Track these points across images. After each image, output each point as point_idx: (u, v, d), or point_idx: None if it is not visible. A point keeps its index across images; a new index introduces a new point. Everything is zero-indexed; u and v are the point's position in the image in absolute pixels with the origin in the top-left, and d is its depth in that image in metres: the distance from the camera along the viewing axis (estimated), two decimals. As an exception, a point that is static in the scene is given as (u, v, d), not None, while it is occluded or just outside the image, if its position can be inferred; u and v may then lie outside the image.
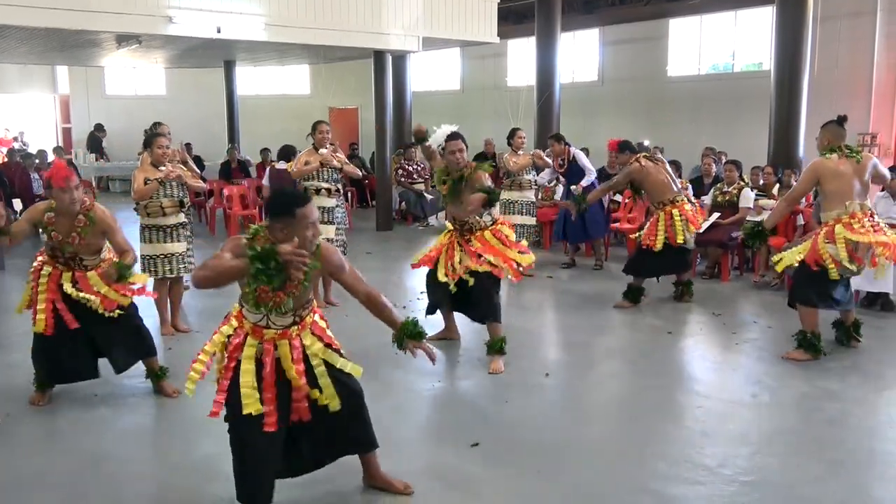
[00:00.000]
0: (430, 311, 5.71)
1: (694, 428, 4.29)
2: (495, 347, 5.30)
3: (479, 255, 5.19)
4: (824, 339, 5.46)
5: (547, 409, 4.59)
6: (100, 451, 4.00)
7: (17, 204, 11.76)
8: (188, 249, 6.10)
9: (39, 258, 4.65)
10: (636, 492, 3.53)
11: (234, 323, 3.20)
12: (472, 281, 5.20)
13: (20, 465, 3.84)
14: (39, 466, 3.82)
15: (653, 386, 4.95)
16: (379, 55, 11.72)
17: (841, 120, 5.52)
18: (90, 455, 3.96)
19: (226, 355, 3.19)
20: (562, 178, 9.07)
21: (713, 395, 4.76)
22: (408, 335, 3.25)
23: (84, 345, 4.62)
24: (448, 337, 5.81)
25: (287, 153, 8.64)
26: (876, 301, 6.77)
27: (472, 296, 5.26)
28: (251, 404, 3.06)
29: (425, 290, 5.72)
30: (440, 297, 5.49)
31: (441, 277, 5.30)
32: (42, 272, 4.58)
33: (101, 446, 4.08)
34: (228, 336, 3.19)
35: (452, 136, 5.26)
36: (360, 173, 8.65)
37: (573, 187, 8.32)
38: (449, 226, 5.55)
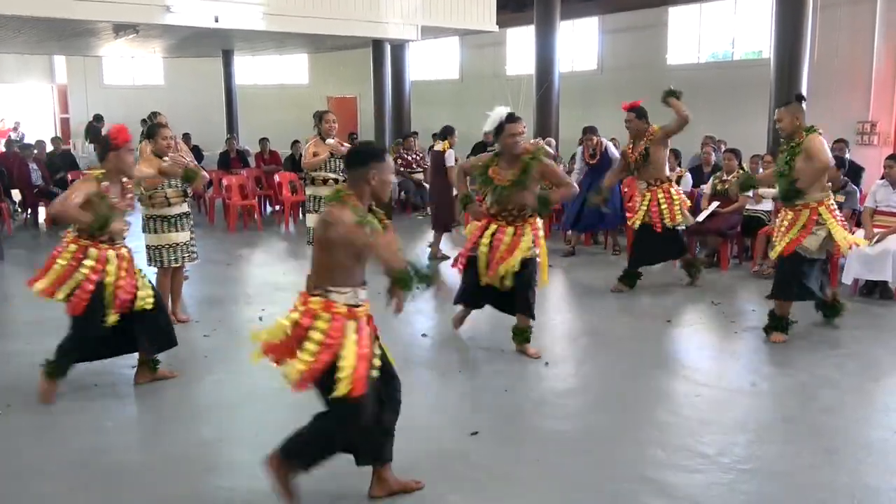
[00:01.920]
0: (459, 301, 5.55)
1: (692, 416, 4.31)
2: (524, 336, 5.27)
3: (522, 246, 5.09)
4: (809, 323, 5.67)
5: (546, 398, 4.60)
6: (100, 441, 4.01)
7: (16, 195, 11.78)
8: (191, 239, 6.13)
9: (73, 244, 4.46)
10: (635, 480, 3.54)
11: (326, 315, 3.10)
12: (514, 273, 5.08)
13: (20, 456, 3.85)
14: (39, 456, 3.83)
15: (652, 374, 4.96)
16: (377, 44, 11.70)
17: (800, 97, 5.55)
18: (90, 445, 3.96)
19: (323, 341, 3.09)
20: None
21: (712, 384, 4.78)
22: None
23: (116, 332, 4.59)
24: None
25: (445, 133, 8.71)
26: (875, 289, 6.78)
27: (515, 287, 5.11)
28: (363, 384, 3.09)
29: (463, 286, 5.45)
30: (480, 297, 5.38)
31: (490, 279, 5.13)
32: (89, 253, 4.43)
33: (101, 436, 4.09)
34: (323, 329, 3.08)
35: (511, 119, 4.92)
36: None
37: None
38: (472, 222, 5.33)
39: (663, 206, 6.68)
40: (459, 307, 5.64)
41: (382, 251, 3.06)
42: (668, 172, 6.93)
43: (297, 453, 3.22)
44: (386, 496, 3.38)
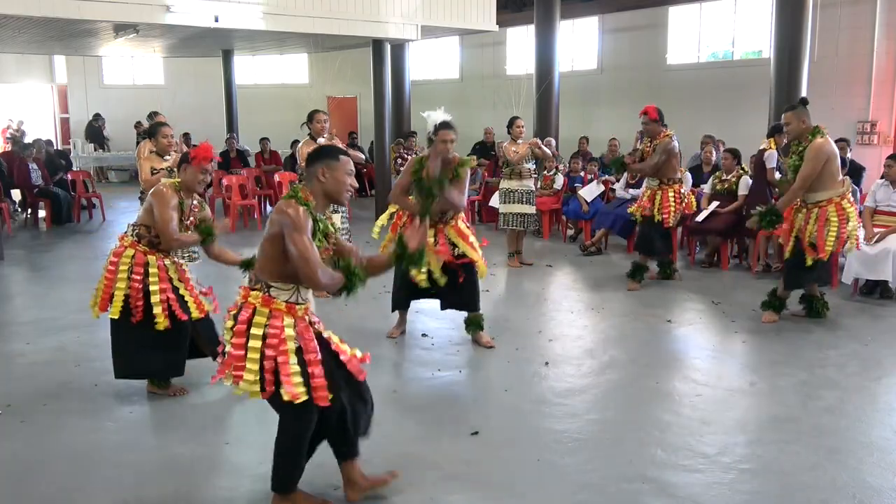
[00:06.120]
0: (397, 308, 5.71)
1: (693, 416, 4.31)
2: (478, 323, 5.53)
3: (454, 246, 5.31)
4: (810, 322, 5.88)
5: (546, 398, 4.60)
6: (100, 442, 4.01)
7: (16, 195, 11.78)
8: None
9: (129, 248, 4.42)
10: (635, 479, 3.54)
11: (265, 311, 3.04)
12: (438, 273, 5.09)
13: (20, 456, 3.85)
14: (39, 456, 3.83)
15: (652, 374, 4.96)
16: (377, 44, 11.69)
17: (805, 101, 5.83)
18: (90, 445, 3.96)
19: (270, 345, 3.02)
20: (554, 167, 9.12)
21: (712, 384, 4.78)
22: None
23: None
24: (403, 331, 5.82)
25: (773, 131, 8.41)
26: (875, 289, 6.78)
27: (461, 286, 5.34)
28: (303, 390, 3.00)
29: (395, 286, 5.62)
30: (409, 294, 5.52)
31: (422, 279, 5.12)
32: (151, 264, 4.42)
33: (101, 436, 4.09)
34: (265, 327, 3.03)
35: (444, 126, 5.21)
36: (363, 157, 8.68)
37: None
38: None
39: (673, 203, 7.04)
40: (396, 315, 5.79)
41: (302, 260, 2.92)
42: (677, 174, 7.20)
43: (279, 481, 3.16)
44: (361, 496, 3.29)
